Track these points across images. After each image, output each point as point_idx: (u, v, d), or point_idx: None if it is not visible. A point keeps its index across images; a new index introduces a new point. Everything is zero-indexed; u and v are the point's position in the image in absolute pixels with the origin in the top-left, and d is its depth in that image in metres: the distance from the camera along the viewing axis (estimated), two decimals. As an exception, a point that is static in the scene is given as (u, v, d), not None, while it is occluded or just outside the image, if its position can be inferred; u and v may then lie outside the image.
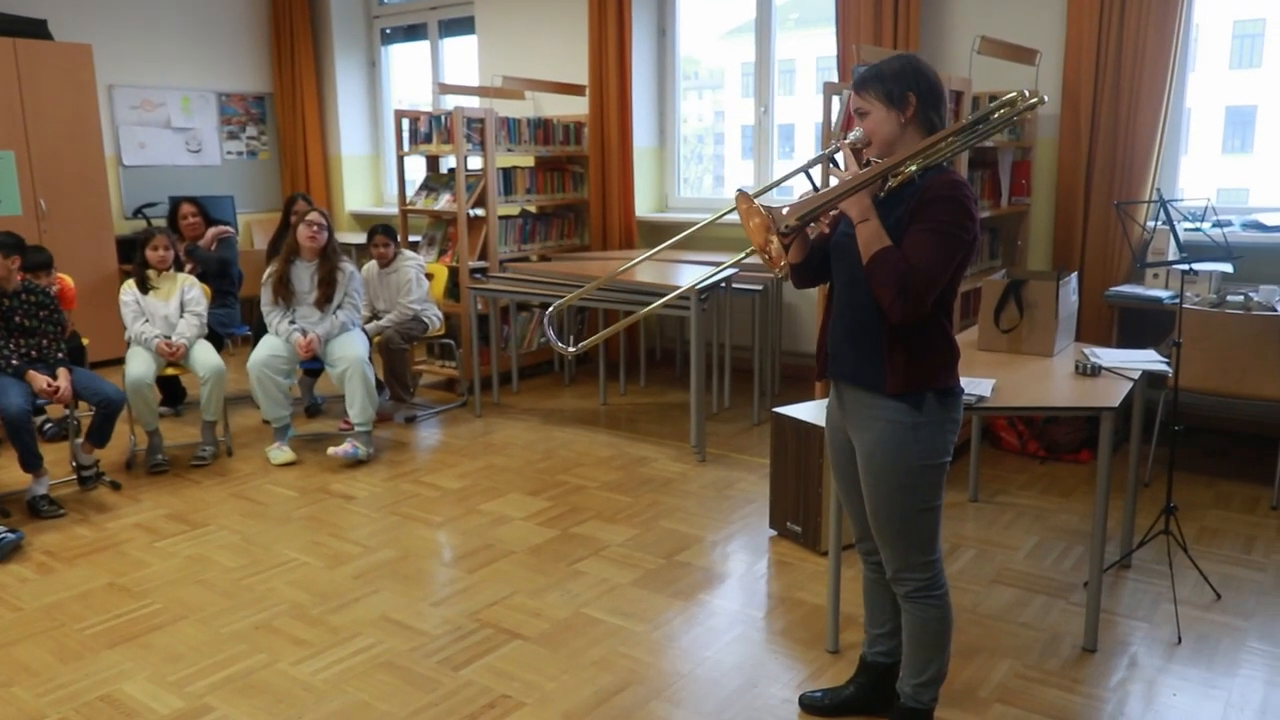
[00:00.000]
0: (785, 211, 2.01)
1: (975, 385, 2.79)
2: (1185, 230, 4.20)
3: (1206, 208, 3.58)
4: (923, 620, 2.26)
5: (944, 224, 2.02)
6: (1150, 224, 4.55)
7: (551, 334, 2.51)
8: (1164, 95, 4.53)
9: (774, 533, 3.72)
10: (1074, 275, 3.52)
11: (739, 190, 2.02)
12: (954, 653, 2.79)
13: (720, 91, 6.89)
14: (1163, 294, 4.37)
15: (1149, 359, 3.18)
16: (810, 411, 3.58)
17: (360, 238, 7.01)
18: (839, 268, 2.21)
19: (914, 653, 2.30)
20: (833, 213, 2.18)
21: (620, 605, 3.15)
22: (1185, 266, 3.15)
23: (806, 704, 2.56)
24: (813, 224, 2.13)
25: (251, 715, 2.54)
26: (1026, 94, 2.11)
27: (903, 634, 2.32)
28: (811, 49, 6.32)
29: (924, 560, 2.23)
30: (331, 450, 4.67)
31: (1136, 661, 2.79)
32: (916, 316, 2.03)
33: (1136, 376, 2.98)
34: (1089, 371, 3.02)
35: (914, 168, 2.06)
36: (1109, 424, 2.68)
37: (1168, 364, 3.15)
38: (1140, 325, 4.51)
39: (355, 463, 4.61)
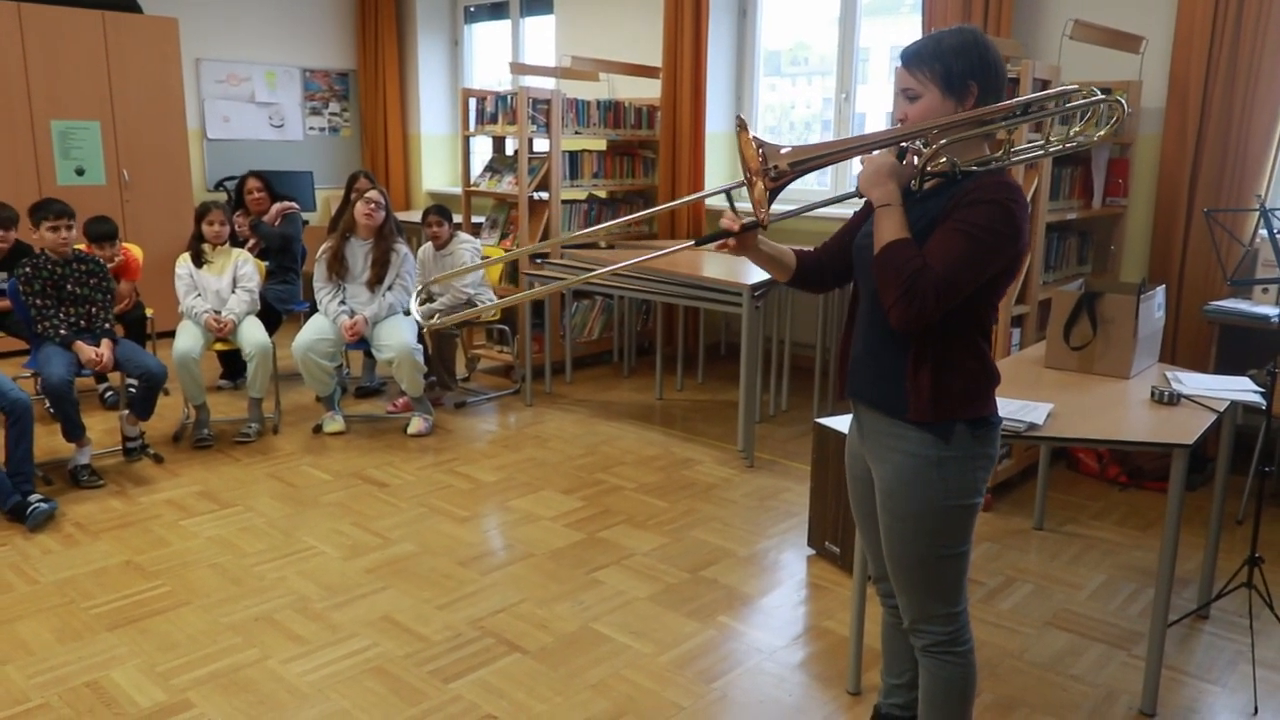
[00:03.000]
0: (783, 152, 1.74)
1: (1028, 410, 2.50)
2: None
3: (1322, 217, 3.15)
4: (941, 679, 2.00)
5: (980, 228, 1.71)
6: (1261, 233, 4.11)
7: (415, 310, 2.30)
8: (1286, 89, 4.05)
9: (812, 552, 3.47)
10: (1160, 289, 3.15)
11: (739, 115, 1.77)
12: (991, 704, 2.53)
13: (829, 78, 6.60)
14: (1271, 311, 3.92)
15: (1240, 387, 2.81)
16: (856, 424, 3.31)
17: (432, 217, 6.95)
18: (862, 274, 1.95)
19: (930, 713, 2.04)
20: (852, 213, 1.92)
21: (632, 622, 2.96)
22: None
23: (813, 753, 2.33)
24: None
25: (229, 716, 2.45)
26: (1095, 90, 1.79)
27: (919, 691, 2.07)
28: (886, 38, 6.00)
29: (946, 612, 1.96)
30: (410, 431, 4.74)
31: (1202, 732, 2.46)
32: (918, 325, 1.73)
33: (1222, 408, 2.63)
34: (1167, 400, 2.68)
35: (944, 142, 1.75)
36: (1180, 462, 2.35)
37: (1262, 394, 2.78)
38: (1244, 346, 4.06)
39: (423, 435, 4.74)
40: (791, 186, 1.80)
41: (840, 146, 1.79)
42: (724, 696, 2.58)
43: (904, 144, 1.80)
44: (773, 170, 1.72)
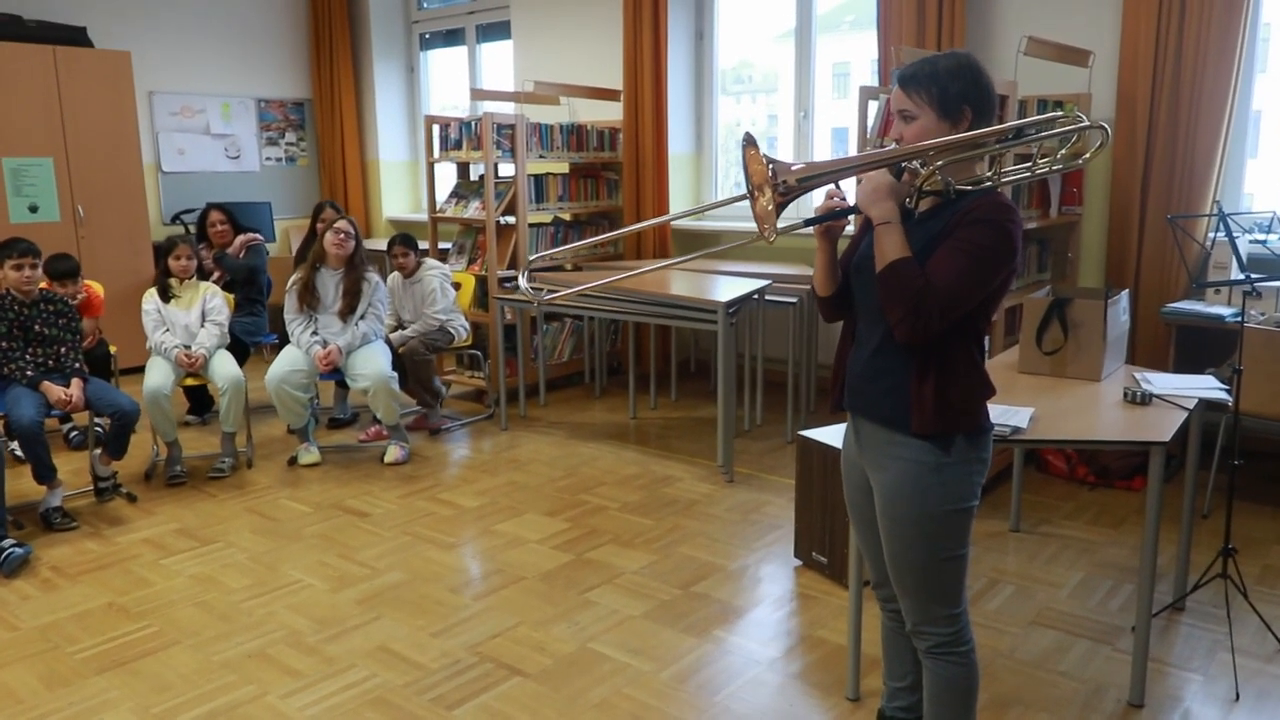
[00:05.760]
0: (794, 169, 1.79)
1: (1012, 414, 2.57)
2: (1250, 243, 3.92)
3: (1273, 219, 3.30)
4: (945, 679, 2.05)
5: (980, 248, 1.79)
6: (1211, 236, 4.27)
7: (524, 281, 2.23)
8: (1228, 98, 4.23)
9: (799, 562, 3.52)
10: (1125, 293, 3.27)
11: (747, 133, 1.82)
12: (987, 703, 2.58)
13: (774, 95, 6.72)
14: (1225, 311, 4.07)
15: (1206, 385, 2.92)
16: (839, 435, 3.37)
17: (394, 245, 6.93)
18: (861, 290, 2.00)
19: (935, 713, 2.09)
20: (851, 229, 1.98)
21: (629, 640, 2.98)
22: (1246, 284, 2.88)
23: (820, 760, 2.37)
24: (829, 223, 1.92)
25: (232, 754, 2.42)
26: (1081, 116, 1.86)
27: (923, 692, 2.12)
28: (867, 52, 6.15)
29: (947, 614, 2.02)
30: (387, 459, 4.71)
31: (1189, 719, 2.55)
32: (924, 339, 1.80)
33: (1191, 406, 2.73)
34: (1139, 400, 2.77)
35: (940, 164, 1.81)
36: (1158, 459, 2.44)
37: (1228, 391, 2.89)
38: (1200, 345, 4.21)
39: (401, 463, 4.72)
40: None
41: (845, 164, 1.85)
42: (727, 709, 2.60)
43: (902, 163, 1.87)
44: (781, 185, 1.77)
